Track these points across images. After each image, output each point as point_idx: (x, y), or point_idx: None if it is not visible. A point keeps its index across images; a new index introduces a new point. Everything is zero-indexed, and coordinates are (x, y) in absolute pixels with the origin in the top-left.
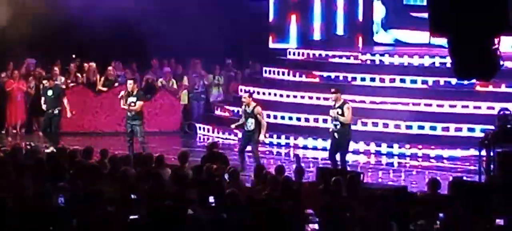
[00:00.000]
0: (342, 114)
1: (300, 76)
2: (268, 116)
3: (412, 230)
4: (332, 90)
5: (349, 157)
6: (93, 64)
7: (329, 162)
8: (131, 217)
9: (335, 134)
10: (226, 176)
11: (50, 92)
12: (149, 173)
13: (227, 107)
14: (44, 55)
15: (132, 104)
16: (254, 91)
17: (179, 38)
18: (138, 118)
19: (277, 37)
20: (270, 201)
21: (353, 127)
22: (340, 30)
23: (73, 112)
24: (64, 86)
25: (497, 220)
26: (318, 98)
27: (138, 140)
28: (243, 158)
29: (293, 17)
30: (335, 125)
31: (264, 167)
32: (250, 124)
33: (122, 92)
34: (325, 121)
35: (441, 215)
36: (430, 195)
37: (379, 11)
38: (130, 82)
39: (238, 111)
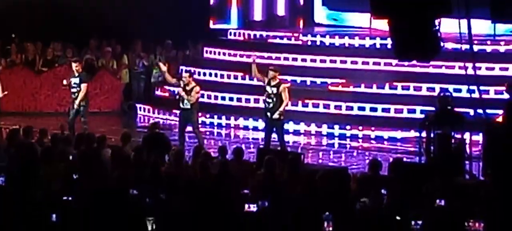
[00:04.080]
0: (279, 94)
1: (241, 57)
2: (209, 97)
3: (357, 208)
4: (271, 68)
5: (290, 138)
6: (32, 44)
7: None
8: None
9: (268, 113)
10: (167, 158)
11: None
12: (90, 153)
13: (166, 87)
14: None
15: (75, 85)
16: (194, 72)
17: (120, 19)
18: (84, 98)
19: (218, 18)
20: (207, 183)
21: (294, 108)
22: (281, 11)
23: (5, 93)
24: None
25: (437, 201)
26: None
27: (81, 120)
28: (184, 138)
29: None
30: (268, 103)
31: (203, 147)
32: (187, 102)
33: (65, 81)
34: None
35: (383, 192)
36: (371, 176)
37: None
38: (74, 64)
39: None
